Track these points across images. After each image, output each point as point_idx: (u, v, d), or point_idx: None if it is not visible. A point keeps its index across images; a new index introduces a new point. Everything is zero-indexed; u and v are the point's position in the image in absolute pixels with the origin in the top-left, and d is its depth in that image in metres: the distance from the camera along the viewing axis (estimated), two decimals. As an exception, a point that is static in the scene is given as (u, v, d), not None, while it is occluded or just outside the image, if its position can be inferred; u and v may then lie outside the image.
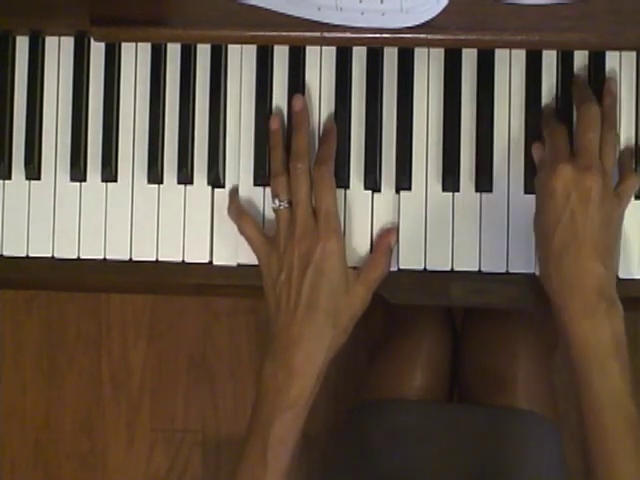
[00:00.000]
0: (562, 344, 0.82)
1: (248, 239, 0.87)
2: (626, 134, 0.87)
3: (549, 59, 0.88)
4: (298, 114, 0.88)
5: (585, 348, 0.79)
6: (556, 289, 0.81)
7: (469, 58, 0.88)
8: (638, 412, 0.78)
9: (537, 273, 0.86)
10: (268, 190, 0.88)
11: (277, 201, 0.85)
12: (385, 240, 0.87)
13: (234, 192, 0.89)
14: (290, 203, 0.85)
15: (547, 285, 0.82)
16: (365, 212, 0.88)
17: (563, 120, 0.86)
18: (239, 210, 0.88)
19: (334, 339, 0.83)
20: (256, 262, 0.87)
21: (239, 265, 0.89)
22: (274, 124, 0.88)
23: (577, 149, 0.82)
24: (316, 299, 0.82)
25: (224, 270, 0.90)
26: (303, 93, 0.89)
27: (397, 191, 0.88)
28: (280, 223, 0.85)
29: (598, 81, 0.87)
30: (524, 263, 0.86)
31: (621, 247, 0.85)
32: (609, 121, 0.84)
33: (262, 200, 0.89)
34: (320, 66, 0.89)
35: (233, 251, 0.89)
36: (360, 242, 0.88)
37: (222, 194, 0.90)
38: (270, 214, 0.88)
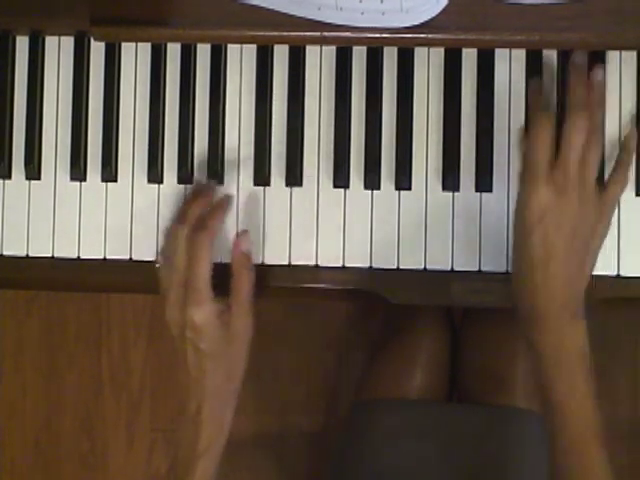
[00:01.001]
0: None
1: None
2: (625, 134, 0.87)
3: (549, 59, 0.88)
4: (219, 204, 0.87)
5: (550, 361, 0.80)
6: (523, 301, 0.81)
7: (469, 58, 0.88)
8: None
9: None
10: (268, 190, 0.89)
11: (160, 259, 0.86)
12: (237, 251, 0.85)
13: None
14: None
15: (515, 295, 0.82)
16: (365, 212, 0.88)
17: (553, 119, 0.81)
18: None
19: (233, 391, 0.86)
20: (257, 261, 0.87)
21: (239, 265, 0.89)
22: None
23: (559, 160, 0.79)
24: (202, 363, 0.84)
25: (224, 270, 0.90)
26: (303, 93, 0.89)
27: (397, 190, 0.88)
28: (158, 280, 0.86)
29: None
30: (524, 263, 0.86)
31: (620, 245, 0.85)
32: (594, 123, 0.81)
33: (262, 200, 0.89)
34: (320, 66, 0.89)
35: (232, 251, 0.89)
36: (360, 242, 0.88)
37: (222, 194, 0.90)
38: (270, 215, 0.89)
